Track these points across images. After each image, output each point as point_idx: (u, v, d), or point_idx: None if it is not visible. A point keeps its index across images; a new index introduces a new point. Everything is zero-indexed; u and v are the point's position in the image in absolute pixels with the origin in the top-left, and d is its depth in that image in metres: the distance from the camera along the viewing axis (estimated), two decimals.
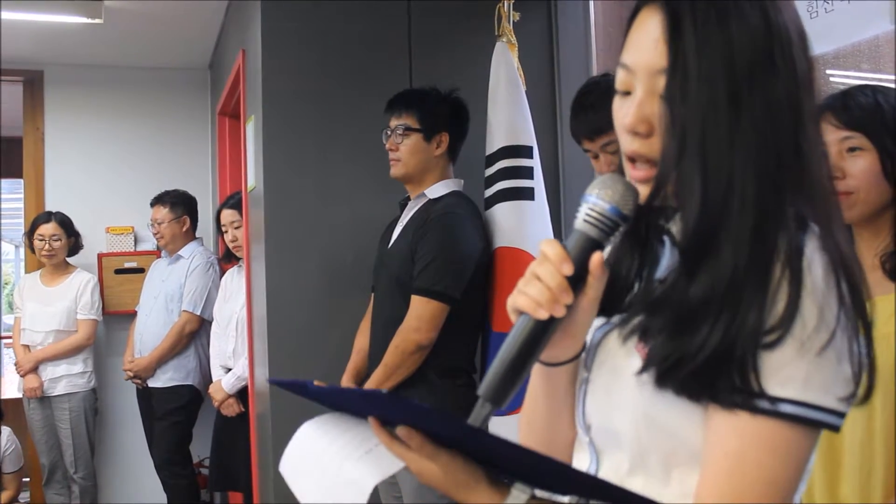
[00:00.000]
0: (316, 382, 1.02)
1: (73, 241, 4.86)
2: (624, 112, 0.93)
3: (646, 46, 0.91)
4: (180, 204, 4.64)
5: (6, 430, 4.81)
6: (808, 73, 0.91)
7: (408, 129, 2.75)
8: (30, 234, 4.82)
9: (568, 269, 0.90)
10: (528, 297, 0.91)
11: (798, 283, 0.84)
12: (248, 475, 3.71)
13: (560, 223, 3.20)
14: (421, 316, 2.58)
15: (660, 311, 0.90)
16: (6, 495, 4.71)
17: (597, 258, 0.91)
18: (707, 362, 0.84)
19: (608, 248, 0.96)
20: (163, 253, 4.76)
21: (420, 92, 2.86)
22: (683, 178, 0.88)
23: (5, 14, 4.10)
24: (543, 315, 0.90)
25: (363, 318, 2.96)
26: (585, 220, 0.92)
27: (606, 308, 0.98)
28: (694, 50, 0.87)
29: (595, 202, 0.92)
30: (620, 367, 0.96)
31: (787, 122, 0.88)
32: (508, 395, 0.91)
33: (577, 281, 0.91)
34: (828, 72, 2.35)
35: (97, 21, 4.22)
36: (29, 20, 4.30)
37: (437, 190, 2.75)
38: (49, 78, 5.29)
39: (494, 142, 2.86)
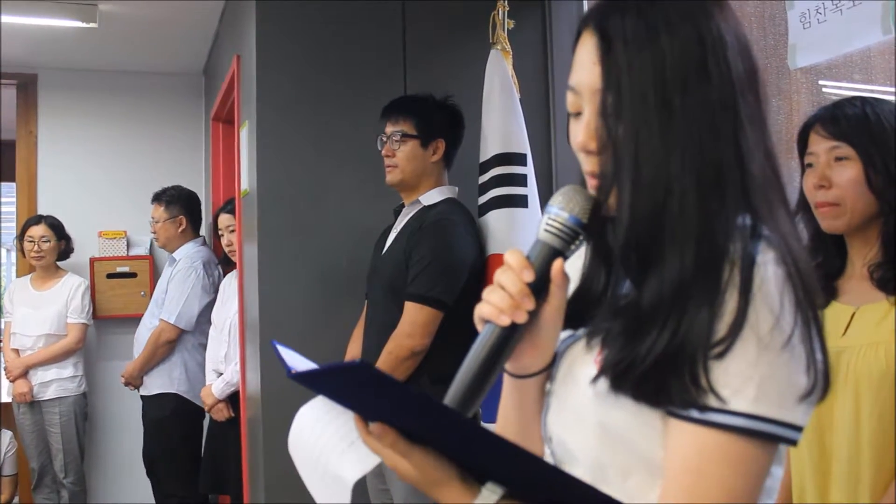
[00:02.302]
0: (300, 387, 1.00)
1: (64, 245, 4.84)
2: (575, 132, 0.96)
3: (586, 68, 0.94)
4: (176, 202, 4.52)
5: (7, 433, 4.80)
6: (748, 76, 0.92)
7: (405, 136, 2.74)
8: (20, 236, 4.81)
9: (529, 276, 0.93)
10: (491, 304, 0.93)
11: (747, 292, 0.85)
12: (238, 480, 3.70)
13: None
14: (414, 322, 2.58)
15: (618, 320, 0.92)
16: (1, 498, 4.70)
17: (557, 265, 0.94)
18: (657, 364, 0.86)
19: (574, 258, 0.98)
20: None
21: (416, 98, 2.86)
22: (619, 190, 0.90)
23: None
24: (505, 321, 0.92)
25: (356, 325, 2.96)
26: (546, 230, 0.95)
27: (574, 321, 1.00)
28: (625, 67, 0.89)
29: (556, 213, 0.95)
30: (578, 378, 0.97)
31: (723, 126, 0.89)
32: (474, 403, 0.93)
33: (539, 289, 0.93)
34: (820, 82, 2.37)
35: (92, 25, 4.22)
36: (23, 23, 4.30)
37: (431, 197, 2.75)
38: (43, 82, 5.28)
39: (488, 149, 2.87)
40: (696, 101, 0.88)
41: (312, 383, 0.97)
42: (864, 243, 1.68)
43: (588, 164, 0.95)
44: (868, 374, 1.56)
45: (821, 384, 0.87)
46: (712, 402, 0.85)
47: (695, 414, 0.85)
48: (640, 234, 0.89)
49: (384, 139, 2.78)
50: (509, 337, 0.93)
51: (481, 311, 0.94)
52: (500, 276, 0.95)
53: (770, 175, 0.93)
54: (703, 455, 0.85)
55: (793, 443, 0.87)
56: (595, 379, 0.91)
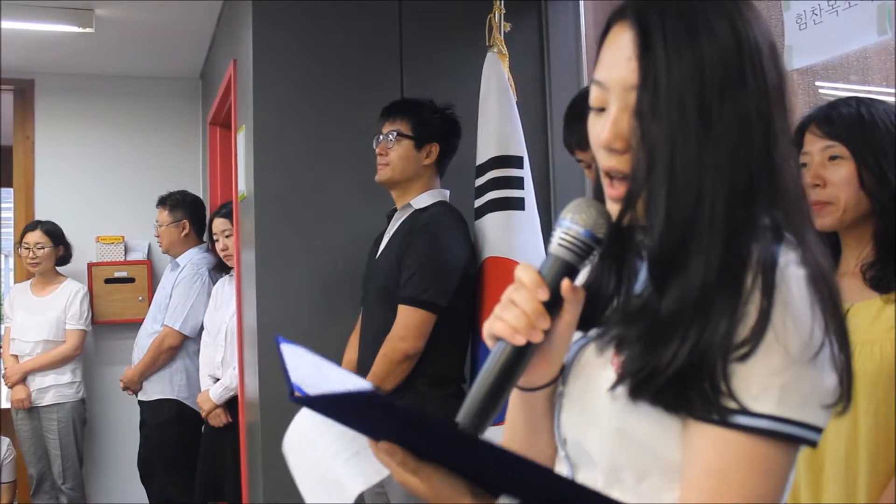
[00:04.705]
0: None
1: (62, 251, 4.82)
2: (599, 129, 0.93)
3: (618, 63, 0.91)
4: (180, 207, 4.49)
5: (5, 439, 4.78)
6: (779, 86, 0.91)
7: (400, 135, 2.75)
8: (20, 242, 4.80)
9: (544, 295, 0.91)
10: (506, 323, 0.91)
11: (770, 295, 0.84)
12: (235, 485, 3.69)
13: (550, 233, 3.20)
14: (407, 325, 2.58)
15: (634, 324, 0.90)
16: None
17: (568, 283, 0.91)
18: (678, 374, 0.84)
19: (585, 271, 0.96)
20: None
21: (415, 101, 2.87)
22: (651, 194, 0.88)
23: None
24: (521, 341, 0.90)
25: (353, 331, 2.96)
26: (560, 244, 0.93)
27: (584, 322, 0.98)
28: (664, 67, 0.87)
29: (569, 226, 0.93)
30: (595, 381, 0.95)
31: (758, 136, 0.88)
32: (488, 420, 0.91)
33: (553, 305, 0.91)
34: (817, 83, 2.37)
35: (88, 30, 4.22)
36: (20, 29, 4.29)
37: (422, 200, 2.75)
38: (40, 87, 5.28)
39: (485, 152, 2.87)
40: (732, 108, 0.86)
41: (315, 407, 0.95)
42: (858, 242, 1.69)
43: (609, 161, 0.93)
44: (863, 371, 1.55)
45: (845, 392, 0.87)
46: (734, 405, 0.84)
47: (716, 417, 0.84)
48: (671, 240, 0.87)
49: (379, 138, 2.80)
50: (523, 355, 0.91)
51: (493, 328, 0.92)
52: (512, 293, 0.92)
53: (799, 190, 0.92)
54: (726, 457, 0.84)
55: (813, 444, 0.86)
56: (614, 385, 0.90)
